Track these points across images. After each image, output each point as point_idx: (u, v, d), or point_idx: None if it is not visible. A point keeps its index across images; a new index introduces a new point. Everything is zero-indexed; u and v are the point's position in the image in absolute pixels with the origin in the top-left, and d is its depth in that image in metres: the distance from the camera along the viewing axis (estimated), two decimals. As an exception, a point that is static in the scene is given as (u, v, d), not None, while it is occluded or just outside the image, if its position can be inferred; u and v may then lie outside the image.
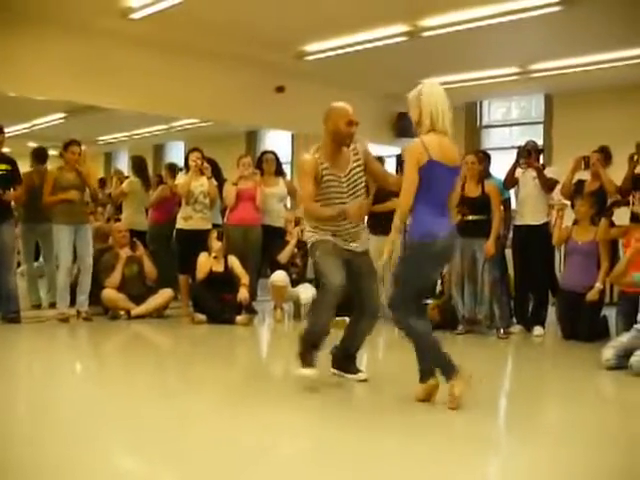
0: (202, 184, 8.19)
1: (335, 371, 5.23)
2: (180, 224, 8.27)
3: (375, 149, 6.77)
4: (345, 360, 5.21)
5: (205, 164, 8.22)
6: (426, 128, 4.38)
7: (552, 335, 7.52)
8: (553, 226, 7.62)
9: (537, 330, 7.56)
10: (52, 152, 9.37)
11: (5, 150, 7.69)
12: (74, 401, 4.68)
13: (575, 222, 7.54)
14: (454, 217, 7.32)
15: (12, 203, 7.74)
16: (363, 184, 5.07)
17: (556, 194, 7.85)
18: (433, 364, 4.47)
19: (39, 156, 8.75)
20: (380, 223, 7.02)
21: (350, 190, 4.94)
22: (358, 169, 4.99)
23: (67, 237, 7.72)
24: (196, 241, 8.06)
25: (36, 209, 8.10)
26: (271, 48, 9.28)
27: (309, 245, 5.03)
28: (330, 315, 4.84)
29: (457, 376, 4.34)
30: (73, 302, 7.89)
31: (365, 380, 5.09)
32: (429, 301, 7.68)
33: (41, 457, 3.48)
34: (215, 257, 7.99)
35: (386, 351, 6.94)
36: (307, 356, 4.87)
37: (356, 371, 5.19)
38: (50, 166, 8.58)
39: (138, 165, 9.48)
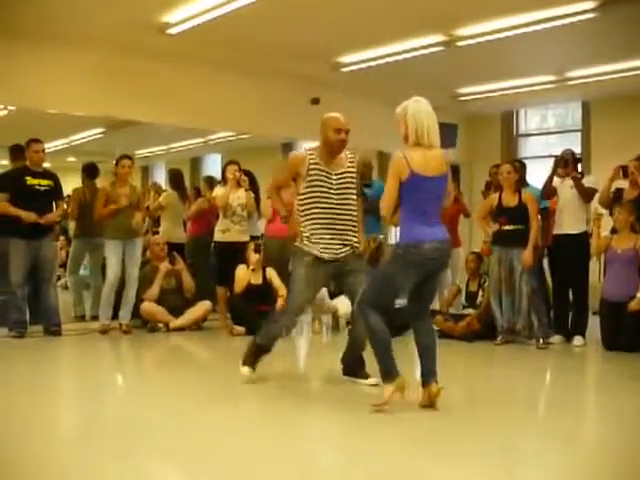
0: (240, 196, 8.24)
1: (346, 378, 5.43)
2: (218, 236, 8.31)
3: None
4: (354, 365, 5.42)
5: (242, 176, 8.26)
6: (412, 142, 4.59)
7: (593, 345, 7.41)
8: (590, 236, 7.56)
9: (577, 340, 7.48)
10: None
11: (46, 165, 7.81)
12: (114, 413, 4.73)
13: (614, 231, 7.47)
14: (488, 227, 7.40)
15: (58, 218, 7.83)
16: (354, 190, 5.30)
17: (594, 203, 7.79)
18: (379, 363, 4.66)
19: (89, 171, 8.89)
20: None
21: (339, 191, 5.20)
22: (351, 174, 5.28)
23: (117, 252, 7.84)
24: (234, 253, 8.10)
25: (88, 224, 8.25)
26: (306, 60, 9.31)
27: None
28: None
29: (392, 381, 4.55)
30: (115, 315, 7.99)
31: (376, 385, 5.11)
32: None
33: (83, 467, 3.53)
34: (253, 270, 8.03)
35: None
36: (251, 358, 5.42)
37: (366, 376, 5.33)
38: (100, 183, 8.70)
39: (175, 178, 9.55)
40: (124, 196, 7.91)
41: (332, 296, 8.23)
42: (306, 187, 5.19)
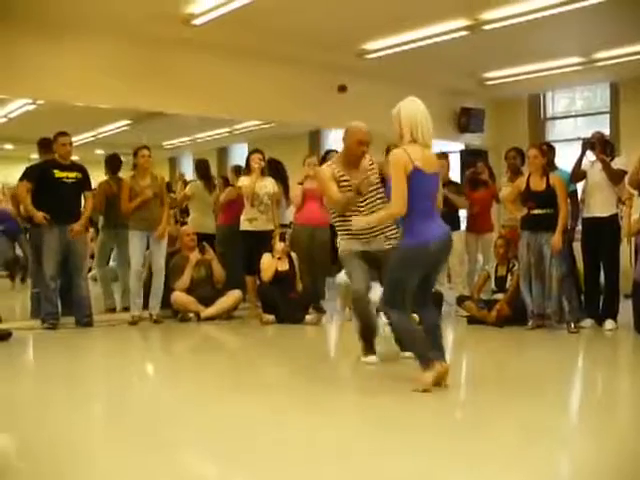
0: (266, 185, 8.27)
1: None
2: (245, 225, 8.35)
3: (438, 144, 6.81)
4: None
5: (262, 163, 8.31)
6: (407, 140, 4.68)
7: (625, 329, 7.34)
8: (621, 218, 7.49)
9: (609, 324, 7.43)
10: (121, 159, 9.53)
11: (74, 158, 7.87)
12: (148, 402, 4.77)
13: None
14: (517, 211, 7.36)
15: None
16: (379, 191, 5.52)
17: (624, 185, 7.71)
18: (415, 355, 4.80)
19: (112, 164, 8.87)
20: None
21: (366, 197, 5.44)
22: (373, 177, 5.51)
23: (140, 242, 7.90)
24: (262, 242, 8.14)
25: (115, 216, 8.29)
26: (332, 48, 9.29)
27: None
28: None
29: (431, 367, 4.63)
30: (146, 305, 8.05)
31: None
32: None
33: (115, 457, 3.57)
34: (279, 258, 8.06)
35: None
36: (366, 345, 5.68)
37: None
38: (122, 173, 8.75)
39: (201, 168, 9.56)
40: (148, 187, 7.96)
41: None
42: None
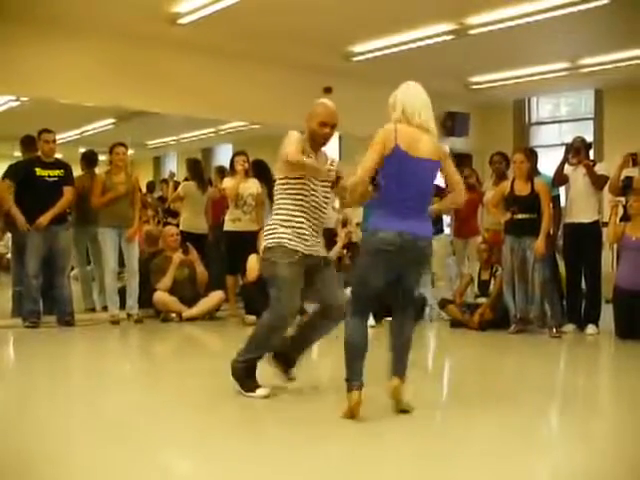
0: (250, 186, 8.26)
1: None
2: (228, 226, 8.33)
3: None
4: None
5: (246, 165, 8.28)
6: (396, 119, 4.20)
7: (606, 334, 7.37)
8: (603, 224, 7.53)
9: (590, 329, 7.46)
10: (102, 157, 9.48)
11: (58, 156, 7.82)
12: (126, 403, 4.71)
13: (623, 218, 7.47)
14: (501, 215, 7.37)
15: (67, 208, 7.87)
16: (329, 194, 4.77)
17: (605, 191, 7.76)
18: (346, 366, 4.20)
19: (88, 160, 8.79)
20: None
21: (322, 189, 4.68)
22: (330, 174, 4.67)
23: (112, 240, 7.84)
24: (244, 243, 8.11)
25: (86, 212, 8.22)
26: (318, 49, 9.29)
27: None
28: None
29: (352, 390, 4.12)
30: (124, 305, 8.01)
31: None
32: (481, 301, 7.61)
33: (92, 458, 3.54)
34: (265, 259, 8.03)
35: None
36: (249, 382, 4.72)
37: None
38: (99, 170, 8.69)
39: (193, 167, 9.43)
40: (121, 184, 7.91)
41: (343, 285, 8.24)
42: (296, 179, 4.61)
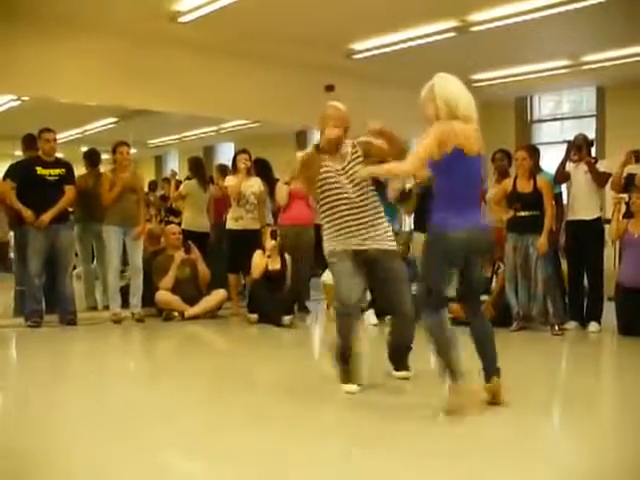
0: (252, 185, 8.25)
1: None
2: (231, 224, 8.33)
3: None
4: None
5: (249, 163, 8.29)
6: (446, 116, 4.14)
7: (608, 331, 7.36)
8: (606, 221, 7.52)
9: (592, 326, 7.45)
10: (105, 156, 9.47)
11: (59, 155, 7.82)
12: (128, 402, 4.71)
13: (625, 215, 7.48)
14: (503, 213, 7.35)
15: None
16: (371, 187, 4.89)
17: (608, 189, 7.75)
18: (440, 363, 4.36)
19: (91, 158, 8.80)
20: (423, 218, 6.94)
21: (350, 182, 4.79)
22: (357, 163, 4.84)
23: (116, 238, 7.85)
24: (246, 241, 8.11)
25: (90, 210, 8.22)
26: (320, 48, 9.27)
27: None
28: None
29: (457, 384, 4.26)
30: (126, 304, 8.01)
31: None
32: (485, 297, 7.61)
33: (94, 457, 3.54)
34: (269, 256, 8.03)
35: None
36: (344, 370, 4.89)
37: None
38: (103, 169, 8.68)
39: (195, 166, 9.39)
40: (126, 179, 7.92)
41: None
42: (320, 186, 4.84)
